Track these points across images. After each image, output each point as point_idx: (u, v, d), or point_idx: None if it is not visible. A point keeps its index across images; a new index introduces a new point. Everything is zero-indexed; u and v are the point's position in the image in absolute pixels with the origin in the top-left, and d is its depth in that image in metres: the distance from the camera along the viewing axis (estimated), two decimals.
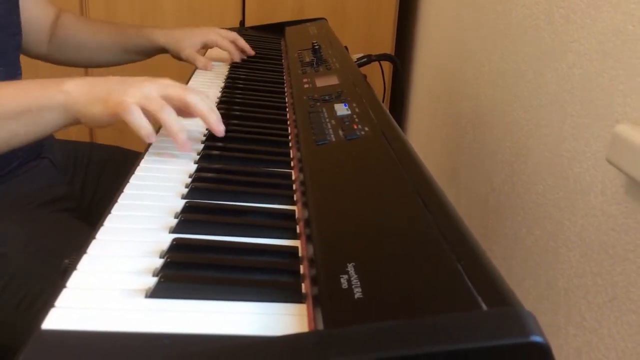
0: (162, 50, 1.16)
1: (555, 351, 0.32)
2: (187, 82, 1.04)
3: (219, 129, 0.72)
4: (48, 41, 1.11)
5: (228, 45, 1.16)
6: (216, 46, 1.16)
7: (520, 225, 1.05)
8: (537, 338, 0.32)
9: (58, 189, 0.96)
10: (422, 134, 1.78)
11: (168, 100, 0.69)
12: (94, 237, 0.51)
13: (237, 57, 1.17)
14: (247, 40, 1.23)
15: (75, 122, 0.71)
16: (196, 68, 1.13)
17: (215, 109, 0.73)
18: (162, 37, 1.14)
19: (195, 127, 0.79)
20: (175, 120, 0.68)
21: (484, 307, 0.36)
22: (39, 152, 0.96)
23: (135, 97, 0.67)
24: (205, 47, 1.18)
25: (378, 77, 1.45)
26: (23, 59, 1.00)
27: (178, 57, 1.15)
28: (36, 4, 1.07)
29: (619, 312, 0.77)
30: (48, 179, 0.96)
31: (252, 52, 1.21)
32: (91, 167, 1.05)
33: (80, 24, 1.14)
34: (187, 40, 1.13)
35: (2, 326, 0.76)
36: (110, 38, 1.14)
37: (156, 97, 0.68)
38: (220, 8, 1.75)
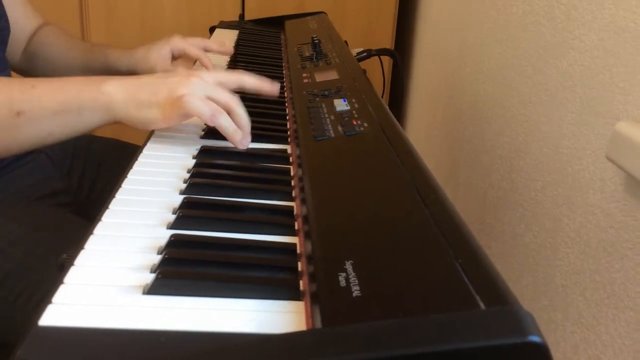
0: (131, 73, 1.02)
1: (552, 348, 0.32)
2: None
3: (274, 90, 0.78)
4: (22, 52, 1.07)
5: (197, 52, 1.04)
6: (184, 54, 1.06)
7: (519, 221, 1.05)
8: (535, 338, 0.32)
9: (55, 183, 0.96)
10: (421, 129, 1.77)
11: (224, 85, 0.72)
12: (91, 233, 0.51)
13: (209, 66, 1.05)
14: (246, 34, 1.22)
15: (113, 122, 0.71)
16: (195, 61, 1.12)
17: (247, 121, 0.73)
18: (124, 60, 1.04)
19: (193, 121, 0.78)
20: (230, 122, 0.70)
21: (482, 306, 0.36)
22: None
23: (197, 95, 0.68)
24: (174, 56, 1.06)
25: (378, 72, 1.45)
26: None
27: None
28: (20, 11, 1.04)
29: (616, 309, 0.78)
30: (45, 173, 0.95)
31: (230, 50, 1.11)
32: (89, 160, 1.04)
33: (55, 38, 1.09)
34: (154, 53, 1.03)
35: None
36: (79, 55, 1.07)
37: (213, 95, 0.69)
38: (220, 1, 1.74)
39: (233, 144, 0.71)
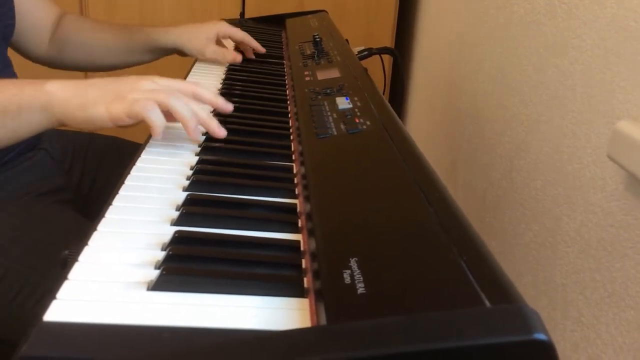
0: (171, 51, 1.10)
1: None
2: (186, 75, 1.04)
3: (228, 109, 0.76)
4: (48, 43, 1.08)
5: (242, 34, 1.12)
6: (229, 37, 1.12)
7: (519, 220, 1.05)
8: (540, 335, 0.32)
9: (55, 181, 0.96)
10: (421, 127, 1.77)
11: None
12: (95, 229, 0.51)
13: (255, 44, 1.13)
14: (247, 32, 1.22)
15: (59, 124, 0.68)
16: (195, 60, 1.12)
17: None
18: (172, 37, 1.07)
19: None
20: (185, 106, 0.67)
21: (488, 303, 0.36)
22: (35, 143, 0.96)
23: (146, 92, 0.66)
24: (218, 40, 1.12)
25: (378, 71, 1.45)
26: (23, 62, 0.97)
27: (201, 56, 1.09)
28: (36, 4, 1.04)
29: (617, 308, 0.78)
30: (45, 171, 0.95)
31: (262, 49, 1.15)
32: (89, 157, 1.04)
33: (82, 23, 1.10)
34: (203, 35, 1.07)
35: None
36: (115, 38, 1.09)
37: (162, 88, 0.68)
38: (221, 2, 1.74)
39: (187, 129, 0.68)
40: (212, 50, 1.08)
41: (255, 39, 1.21)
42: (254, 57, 1.15)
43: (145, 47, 1.09)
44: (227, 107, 0.76)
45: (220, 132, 0.71)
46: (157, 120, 0.65)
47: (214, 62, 1.09)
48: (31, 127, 0.68)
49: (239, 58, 1.10)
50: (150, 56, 1.12)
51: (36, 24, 1.03)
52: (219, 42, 1.12)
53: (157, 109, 0.65)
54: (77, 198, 0.99)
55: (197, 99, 0.72)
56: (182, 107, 0.67)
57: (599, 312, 0.81)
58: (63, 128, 1.06)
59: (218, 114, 0.82)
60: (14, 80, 0.69)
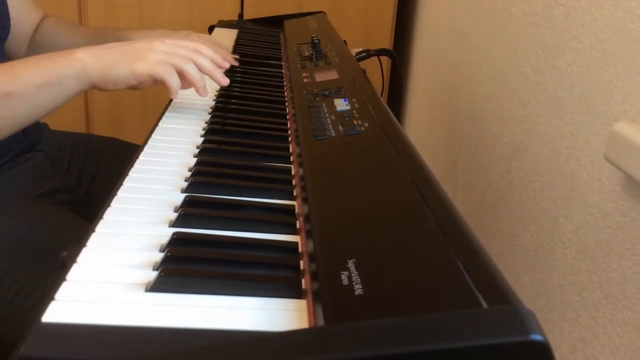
0: None
1: None
2: None
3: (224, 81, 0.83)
4: (27, 46, 1.08)
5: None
6: None
7: (517, 221, 1.05)
8: (537, 336, 0.32)
9: (53, 182, 0.96)
10: (419, 129, 1.78)
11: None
12: (93, 230, 0.51)
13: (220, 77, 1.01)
14: (245, 34, 1.22)
15: (92, 86, 0.76)
16: None
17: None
18: (137, 38, 1.03)
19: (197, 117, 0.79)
20: (195, 69, 0.78)
21: (484, 304, 0.36)
22: (33, 144, 0.96)
23: (162, 54, 0.75)
24: None
25: (377, 72, 1.45)
26: None
27: None
28: (22, 6, 1.04)
29: (614, 309, 0.78)
30: (43, 171, 0.95)
31: (233, 61, 1.05)
32: (88, 158, 1.04)
33: (60, 27, 1.10)
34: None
35: None
36: (88, 41, 1.04)
37: (174, 49, 0.77)
38: (219, 1, 1.74)
39: (197, 90, 0.79)
40: None
41: (253, 40, 1.21)
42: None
43: None
44: (224, 80, 0.83)
45: (224, 80, 0.82)
46: (175, 83, 0.75)
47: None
48: (70, 93, 0.75)
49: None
50: None
51: (19, 28, 1.03)
52: None
53: (175, 73, 0.76)
54: (75, 199, 0.99)
55: (196, 65, 0.79)
56: (193, 70, 0.78)
57: (597, 313, 0.81)
58: (61, 129, 1.07)
59: (218, 116, 0.82)
60: (44, 55, 0.75)
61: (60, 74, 0.73)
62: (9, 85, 0.71)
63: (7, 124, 0.74)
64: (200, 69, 0.79)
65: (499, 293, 0.37)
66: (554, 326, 0.92)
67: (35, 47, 1.08)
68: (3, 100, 0.70)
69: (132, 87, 0.78)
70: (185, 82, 0.78)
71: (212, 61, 0.82)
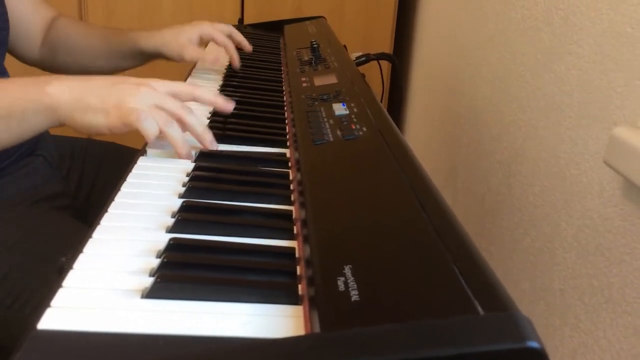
0: (155, 55, 1.07)
1: (550, 352, 0.32)
2: (184, 80, 1.04)
3: (228, 108, 0.76)
4: (40, 45, 1.07)
5: (224, 39, 1.07)
6: (212, 40, 1.08)
7: (517, 226, 1.05)
8: (533, 343, 0.32)
9: (52, 187, 0.96)
10: (419, 133, 1.78)
11: (176, 97, 0.70)
12: (90, 236, 0.51)
13: (235, 56, 1.08)
14: (245, 38, 1.22)
15: (60, 125, 0.69)
16: (193, 66, 1.12)
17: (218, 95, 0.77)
18: (151, 40, 1.04)
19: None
20: (179, 132, 0.68)
21: (481, 311, 0.36)
22: (33, 149, 0.96)
23: (144, 106, 0.66)
24: (202, 42, 1.08)
25: (376, 76, 1.45)
26: (15, 64, 0.97)
27: (179, 58, 1.04)
28: (28, 5, 1.04)
29: (614, 313, 0.78)
30: (42, 177, 0.95)
31: (249, 48, 1.13)
32: (88, 163, 1.04)
33: (72, 27, 1.09)
34: (183, 37, 1.03)
35: None
36: (102, 43, 1.07)
37: (163, 104, 0.68)
38: (219, 6, 1.75)
39: (179, 155, 0.68)
40: (190, 52, 1.03)
41: (253, 45, 1.21)
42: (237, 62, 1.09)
43: (131, 52, 1.07)
44: (228, 106, 0.76)
45: (213, 145, 0.72)
46: (149, 129, 0.66)
47: (196, 61, 1.07)
48: (35, 128, 0.69)
49: (218, 62, 1.07)
50: (136, 61, 1.10)
51: (27, 28, 1.03)
52: (204, 44, 1.10)
53: (151, 118, 0.66)
54: (75, 204, 0.99)
55: (196, 101, 0.73)
56: (175, 133, 0.68)
57: (597, 317, 0.81)
58: (61, 134, 1.07)
59: (215, 119, 0.82)
60: (14, 80, 0.69)
61: (26, 106, 0.66)
62: None
63: None
64: (188, 130, 0.70)
65: (495, 299, 0.37)
66: (554, 331, 0.91)
67: (51, 47, 1.08)
68: None
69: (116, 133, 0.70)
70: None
71: (211, 104, 0.76)
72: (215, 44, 1.09)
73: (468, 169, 1.31)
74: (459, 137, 1.38)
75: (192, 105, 0.73)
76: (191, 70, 1.10)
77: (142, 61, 1.10)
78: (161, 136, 0.68)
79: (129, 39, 1.05)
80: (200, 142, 0.71)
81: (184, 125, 0.69)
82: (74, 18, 1.12)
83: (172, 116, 0.68)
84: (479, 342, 0.32)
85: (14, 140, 0.70)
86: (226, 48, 1.08)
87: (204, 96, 0.74)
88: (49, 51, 1.08)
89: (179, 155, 0.69)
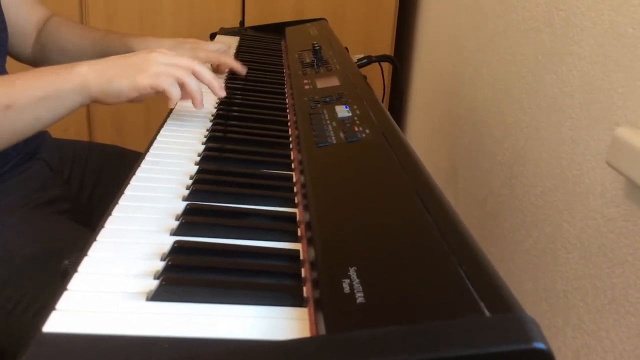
0: None
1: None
2: None
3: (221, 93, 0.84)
4: (33, 44, 1.08)
5: (218, 59, 1.05)
6: (205, 62, 1.03)
7: (519, 227, 1.05)
8: (539, 344, 0.32)
9: (54, 190, 0.96)
10: (420, 135, 1.78)
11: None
12: (94, 239, 0.51)
13: (237, 66, 1.04)
14: (246, 41, 1.22)
15: (93, 100, 0.76)
16: None
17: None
18: (140, 44, 1.05)
19: (197, 128, 0.79)
20: (195, 82, 0.79)
21: (487, 312, 0.36)
22: (33, 153, 0.96)
23: (163, 66, 0.77)
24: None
25: (378, 78, 1.45)
26: (16, 67, 0.97)
27: None
28: (24, 4, 1.04)
29: (617, 314, 0.78)
30: (44, 180, 0.95)
31: (242, 72, 1.05)
32: (89, 167, 1.04)
33: (65, 28, 1.10)
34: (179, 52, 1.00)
35: None
36: (93, 44, 1.09)
37: (176, 62, 0.78)
38: (220, 8, 1.75)
39: (197, 104, 0.80)
40: None
41: (255, 47, 1.21)
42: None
43: (115, 53, 1.07)
44: (221, 92, 0.84)
45: (221, 92, 0.83)
46: (175, 93, 0.77)
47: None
48: (70, 107, 0.76)
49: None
50: None
51: (23, 26, 1.04)
52: None
53: (176, 83, 0.77)
54: (76, 208, 0.99)
55: (195, 76, 0.80)
56: (193, 82, 0.79)
57: (600, 318, 0.81)
58: (61, 137, 1.07)
59: (220, 124, 0.82)
60: (46, 68, 0.76)
61: (60, 87, 0.74)
62: (9, 97, 0.72)
63: (6, 136, 0.74)
64: (200, 79, 0.80)
65: (501, 301, 0.37)
66: (557, 332, 0.91)
67: (42, 47, 1.09)
68: (3, 113, 0.71)
69: (133, 100, 0.78)
70: (185, 93, 0.79)
71: (209, 84, 0.82)
72: (212, 65, 1.08)
73: (469, 171, 1.31)
74: (459, 138, 1.38)
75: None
76: None
77: None
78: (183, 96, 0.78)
79: (122, 43, 1.06)
80: (211, 89, 0.83)
81: (196, 75, 0.80)
82: (67, 18, 1.12)
83: (186, 69, 0.78)
84: (485, 343, 0.32)
85: (53, 119, 0.76)
86: (225, 66, 1.07)
87: (204, 75, 0.81)
88: (40, 50, 1.08)
89: (194, 103, 0.80)
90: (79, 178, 1.02)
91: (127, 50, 1.03)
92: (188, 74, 0.78)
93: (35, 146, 0.96)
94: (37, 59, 1.09)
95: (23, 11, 1.05)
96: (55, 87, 0.74)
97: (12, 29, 1.00)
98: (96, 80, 0.74)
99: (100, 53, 1.05)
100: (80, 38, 1.09)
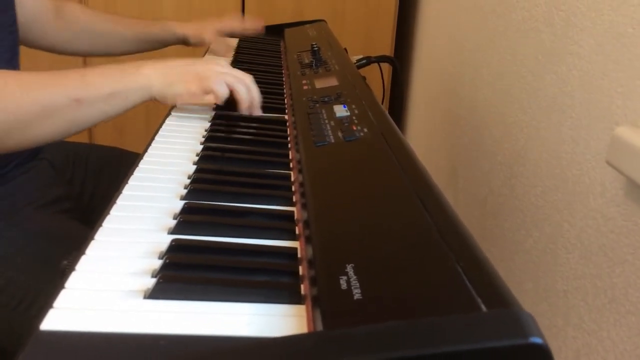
0: (181, 42, 1.26)
1: (553, 353, 0.32)
2: None
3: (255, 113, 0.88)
4: (54, 33, 1.11)
5: (240, 25, 1.32)
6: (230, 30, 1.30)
7: (519, 227, 1.05)
8: (536, 339, 0.32)
9: (56, 190, 0.96)
10: (420, 135, 1.78)
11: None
12: (92, 238, 0.51)
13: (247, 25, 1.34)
14: (246, 42, 1.23)
15: (151, 99, 0.81)
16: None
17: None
18: (185, 29, 1.25)
19: (194, 128, 0.79)
20: (245, 89, 0.85)
21: (484, 308, 0.36)
22: (37, 152, 0.96)
23: (218, 74, 0.83)
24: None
25: (377, 79, 1.45)
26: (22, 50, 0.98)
27: (201, 42, 1.25)
28: None
29: (618, 314, 0.77)
30: (46, 180, 0.95)
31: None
32: (90, 168, 1.05)
33: (94, 17, 1.18)
34: (209, 26, 1.26)
35: (0, 327, 0.76)
36: (133, 31, 1.21)
37: (231, 72, 0.84)
38: (220, 9, 1.75)
39: (243, 108, 0.85)
40: (209, 36, 1.25)
41: (254, 49, 1.23)
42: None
43: (162, 40, 1.26)
44: (258, 111, 0.88)
45: (257, 111, 0.87)
46: (222, 91, 0.82)
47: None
48: (132, 104, 0.80)
49: (229, 53, 1.25)
50: (160, 47, 1.27)
51: (35, 13, 1.06)
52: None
53: (222, 81, 0.82)
54: (79, 207, 1.00)
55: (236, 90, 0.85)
56: (243, 90, 0.84)
57: (600, 318, 0.81)
58: (64, 139, 1.07)
59: (218, 124, 0.83)
60: (113, 66, 0.81)
61: (127, 86, 0.78)
62: (80, 92, 0.75)
63: (73, 127, 0.77)
64: (249, 92, 0.86)
65: (498, 297, 0.36)
66: (557, 331, 0.91)
67: (71, 37, 1.14)
68: (73, 106, 0.74)
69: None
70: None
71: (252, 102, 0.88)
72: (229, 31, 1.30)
73: (469, 171, 1.31)
74: (459, 138, 1.38)
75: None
76: None
77: (165, 46, 1.28)
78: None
79: (163, 30, 1.24)
80: (253, 104, 0.86)
81: (247, 88, 0.86)
82: (80, 5, 1.18)
83: (239, 79, 0.84)
84: (482, 338, 0.32)
85: (117, 113, 0.80)
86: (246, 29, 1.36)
87: (254, 92, 0.87)
88: (70, 37, 1.14)
89: (242, 109, 0.85)
90: (80, 178, 1.03)
91: (169, 35, 1.26)
92: (239, 82, 0.84)
93: (38, 146, 0.96)
94: (65, 46, 1.15)
95: (34, 4, 1.06)
96: (123, 86, 0.78)
97: (29, 16, 1.02)
98: (159, 83, 0.79)
99: (143, 40, 1.24)
100: (117, 25, 1.20)
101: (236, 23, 1.32)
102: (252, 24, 1.36)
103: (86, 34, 1.16)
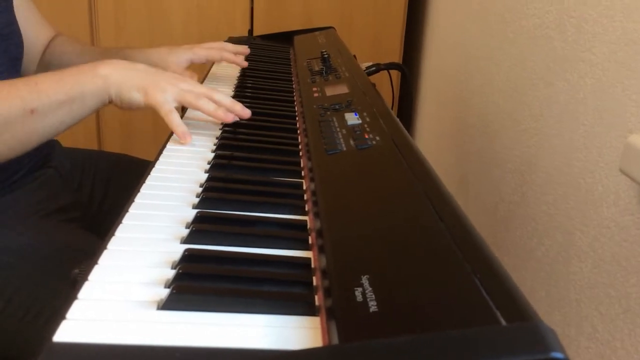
0: None
1: None
2: None
3: (245, 113, 0.83)
4: (38, 63, 1.09)
5: (218, 54, 1.09)
6: (208, 60, 1.11)
7: (531, 235, 1.04)
8: (557, 354, 0.31)
9: (64, 198, 0.96)
10: (429, 142, 1.77)
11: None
12: (105, 247, 0.51)
13: (239, 60, 1.12)
14: (255, 49, 1.23)
15: (108, 103, 0.78)
16: (206, 75, 1.12)
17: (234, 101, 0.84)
18: (139, 56, 1.06)
19: (207, 134, 0.79)
20: (209, 103, 0.80)
21: (503, 321, 0.35)
22: (44, 161, 0.96)
23: (173, 94, 0.78)
24: (192, 64, 1.08)
25: (387, 86, 1.45)
26: None
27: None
28: (31, 25, 1.05)
29: (632, 324, 0.76)
30: (54, 189, 0.95)
31: (243, 64, 1.14)
32: (98, 175, 1.04)
33: (66, 46, 1.11)
34: (172, 58, 1.06)
35: (7, 337, 0.75)
36: (94, 59, 1.04)
37: (191, 89, 0.79)
38: (229, 17, 1.75)
39: (217, 118, 0.80)
40: (172, 70, 1.04)
41: (264, 56, 1.21)
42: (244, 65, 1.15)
43: None
44: (245, 112, 0.83)
45: (244, 112, 0.82)
46: (167, 107, 0.76)
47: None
48: (91, 108, 0.77)
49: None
50: None
51: (28, 46, 1.03)
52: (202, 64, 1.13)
53: (170, 102, 0.77)
54: (87, 216, 0.99)
55: (213, 102, 0.81)
56: (206, 105, 0.80)
57: (614, 328, 0.80)
58: (72, 146, 1.07)
59: (229, 131, 0.82)
60: (67, 70, 0.77)
61: (83, 90, 0.75)
62: (34, 102, 0.72)
63: (31, 139, 0.75)
64: (218, 104, 0.81)
65: (518, 310, 0.36)
66: (570, 341, 0.90)
67: (45, 66, 1.09)
68: (28, 117, 0.72)
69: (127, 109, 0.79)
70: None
71: (230, 109, 0.83)
72: (215, 61, 1.13)
73: (479, 178, 1.30)
74: (469, 146, 1.37)
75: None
76: (203, 81, 1.10)
77: None
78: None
79: (122, 56, 1.05)
80: (233, 113, 0.81)
81: (213, 101, 0.80)
82: (69, 37, 1.12)
83: (200, 95, 0.79)
84: (502, 353, 0.32)
85: (75, 121, 0.77)
86: (226, 60, 1.12)
87: (224, 101, 0.82)
88: (44, 69, 1.09)
89: (218, 119, 0.80)
90: (88, 186, 1.02)
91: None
92: (199, 97, 0.79)
93: (46, 154, 0.96)
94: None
95: (32, 30, 1.05)
96: (78, 90, 0.74)
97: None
98: (116, 85, 0.76)
99: None
100: (83, 54, 1.09)
101: (214, 52, 1.10)
102: (234, 56, 1.12)
103: (56, 64, 1.08)
